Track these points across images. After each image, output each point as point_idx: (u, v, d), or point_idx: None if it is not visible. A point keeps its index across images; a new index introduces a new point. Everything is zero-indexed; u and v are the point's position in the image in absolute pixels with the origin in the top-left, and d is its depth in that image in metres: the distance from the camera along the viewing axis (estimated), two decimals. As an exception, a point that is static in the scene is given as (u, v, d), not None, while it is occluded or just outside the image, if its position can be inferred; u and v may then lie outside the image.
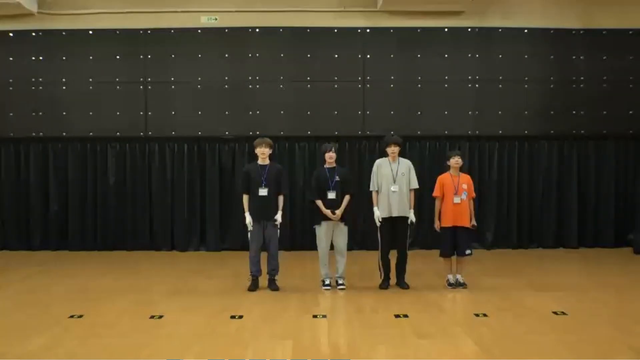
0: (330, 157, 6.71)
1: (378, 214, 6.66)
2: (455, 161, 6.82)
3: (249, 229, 6.62)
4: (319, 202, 6.63)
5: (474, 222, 6.86)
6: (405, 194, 6.64)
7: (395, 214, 6.60)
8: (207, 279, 7.36)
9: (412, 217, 6.67)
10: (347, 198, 6.69)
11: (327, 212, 6.59)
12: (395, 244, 6.71)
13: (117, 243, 9.33)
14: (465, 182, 6.83)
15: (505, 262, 8.51)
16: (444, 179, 6.85)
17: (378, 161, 6.84)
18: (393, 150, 6.70)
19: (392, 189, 6.58)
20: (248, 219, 6.59)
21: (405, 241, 6.74)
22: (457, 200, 6.71)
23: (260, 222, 6.60)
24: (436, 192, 6.85)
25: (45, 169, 9.40)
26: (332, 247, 6.80)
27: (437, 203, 6.87)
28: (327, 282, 6.75)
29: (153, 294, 6.59)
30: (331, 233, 6.71)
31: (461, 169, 6.86)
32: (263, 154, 6.63)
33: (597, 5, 9.34)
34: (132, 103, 9.22)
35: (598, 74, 9.34)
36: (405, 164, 6.74)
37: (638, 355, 4.49)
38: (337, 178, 6.69)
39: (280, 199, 6.67)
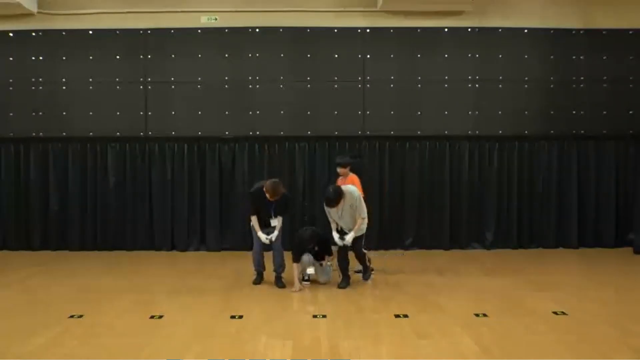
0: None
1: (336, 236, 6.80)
2: (341, 172, 7.41)
3: (264, 241, 6.76)
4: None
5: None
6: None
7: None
8: (207, 279, 7.36)
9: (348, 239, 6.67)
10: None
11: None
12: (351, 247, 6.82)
13: (117, 243, 9.32)
14: (350, 183, 7.15)
15: (505, 262, 8.50)
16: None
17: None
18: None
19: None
20: (263, 237, 6.72)
21: (359, 244, 6.82)
22: None
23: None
24: None
25: (45, 169, 9.39)
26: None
27: None
28: (305, 277, 6.86)
29: (153, 294, 6.60)
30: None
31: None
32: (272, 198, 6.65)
33: (597, 5, 9.33)
34: (132, 103, 9.22)
35: (598, 74, 9.34)
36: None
37: (638, 355, 4.50)
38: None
39: (279, 220, 6.80)
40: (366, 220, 6.75)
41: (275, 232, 6.75)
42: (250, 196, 6.89)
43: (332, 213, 6.72)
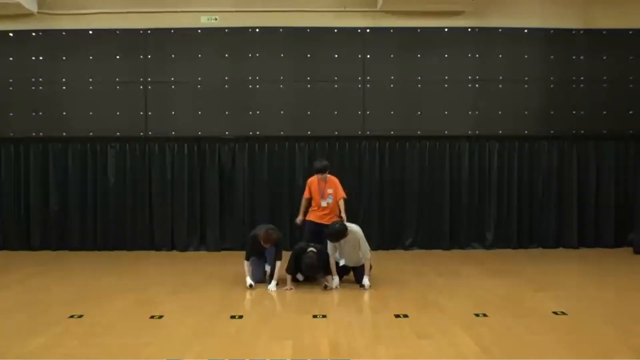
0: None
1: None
2: (320, 177, 7.28)
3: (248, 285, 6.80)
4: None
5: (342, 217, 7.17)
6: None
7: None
8: (207, 279, 7.36)
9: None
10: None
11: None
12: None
13: (117, 243, 9.32)
14: (331, 186, 7.29)
15: (505, 262, 8.50)
16: (312, 183, 7.39)
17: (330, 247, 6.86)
18: None
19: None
20: (249, 281, 6.76)
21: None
22: (323, 204, 7.27)
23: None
24: (305, 194, 7.44)
25: (45, 169, 9.39)
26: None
27: (304, 202, 7.46)
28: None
29: (153, 294, 6.60)
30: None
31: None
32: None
33: (597, 5, 9.33)
34: (132, 103, 9.22)
35: (598, 74, 9.34)
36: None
37: (638, 355, 4.50)
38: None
39: (277, 264, 6.83)
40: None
41: (273, 282, 6.74)
42: (248, 240, 7.00)
43: (332, 247, 6.82)
